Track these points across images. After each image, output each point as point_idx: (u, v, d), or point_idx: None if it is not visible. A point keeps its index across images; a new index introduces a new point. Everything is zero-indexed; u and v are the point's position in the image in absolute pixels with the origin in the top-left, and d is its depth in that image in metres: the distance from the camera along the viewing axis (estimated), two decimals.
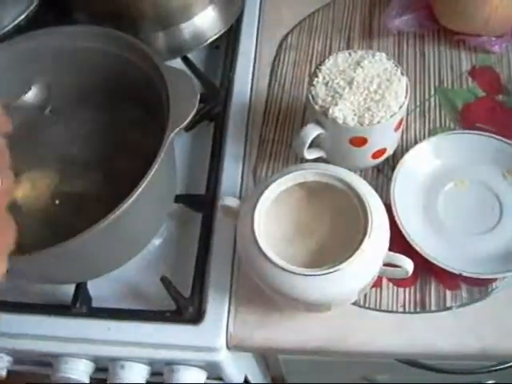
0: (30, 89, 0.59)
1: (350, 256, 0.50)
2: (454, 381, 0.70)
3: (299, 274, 0.50)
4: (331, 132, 0.57)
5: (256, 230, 0.52)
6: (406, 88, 0.57)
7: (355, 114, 0.56)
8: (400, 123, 0.58)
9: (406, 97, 0.56)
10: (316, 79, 0.58)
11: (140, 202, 0.49)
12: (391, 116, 0.55)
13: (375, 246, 0.51)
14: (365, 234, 0.50)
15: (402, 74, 0.57)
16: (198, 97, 0.53)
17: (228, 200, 0.56)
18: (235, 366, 0.63)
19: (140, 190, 0.48)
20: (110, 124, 0.63)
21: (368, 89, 0.56)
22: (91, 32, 0.60)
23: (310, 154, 0.60)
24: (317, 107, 0.57)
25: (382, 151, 0.60)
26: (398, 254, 0.53)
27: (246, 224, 0.52)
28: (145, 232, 0.57)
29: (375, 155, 0.60)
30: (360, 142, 0.57)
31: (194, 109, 0.52)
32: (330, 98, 0.56)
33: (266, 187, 0.53)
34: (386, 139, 0.59)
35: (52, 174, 0.55)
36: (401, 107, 0.56)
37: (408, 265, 0.52)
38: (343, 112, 0.55)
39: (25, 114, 0.62)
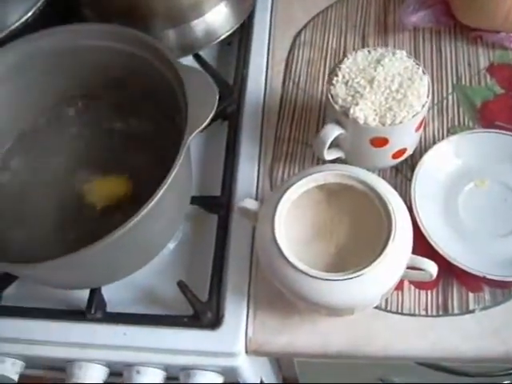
0: None
1: (374, 260, 0.48)
2: (469, 381, 0.69)
3: (322, 279, 0.49)
4: (351, 132, 0.56)
5: (277, 234, 0.50)
6: (428, 87, 0.56)
7: (376, 114, 0.54)
8: (421, 123, 0.57)
9: (428, 96, 0.55)
10: (336, 78, 0.56)
11: (158, 207, 0.48)
12: (413, 116, 0.54)
13: (399, 249, 0.50)
14: (388, 237, 0.49)
15: (424, 72, 0.56)
16: (217, 97, 0.51)
17: (247, 202, 0.55)
18: (252, 370, 0.62)
19: (159, 195, 0.47)
20: (124, 124, 0.61)
21: (389, 88, 0.55)
22: (104, 30, 0.58)
23: (329, 155, 0.59)
24: (337, 107, 0.55)
25: (403, 151, 0.59)
26: (421, 258, 0.51)
27: (266, 227, 0.51)
28: (162, 236, 0.56)
29: (395, 155, 0.59)
30: (381, 142, 0.56)
31: (213, 110, 0.50)
32: (350, 98, 0.55)
33: (287, 189, 0.52)
34: (407, 139, 0.58)
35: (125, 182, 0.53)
36: (423, 106, 0.55)
37: (432, 268, 0.51)
38: (364, 112, 0.54)
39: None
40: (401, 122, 0.54)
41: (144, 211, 0.46)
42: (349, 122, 0.55)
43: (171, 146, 0.52)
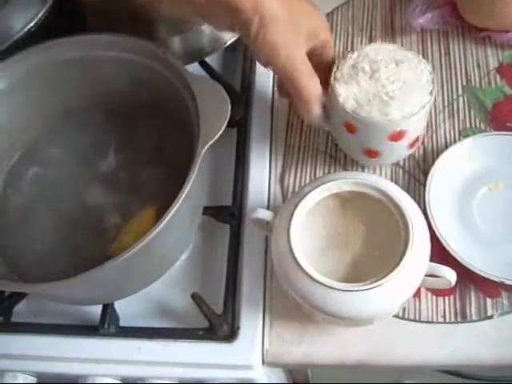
0: None
1: (393, 269, 0.48)
2: None
3: (340, 290, 0.48)
4: (333, 109, 0.56)
5: (293, 245, 0.50)
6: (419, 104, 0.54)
7: (356, 101, 0.54)
8: (399, 134, 0.55)
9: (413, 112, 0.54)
10: (350, 55, 0.56)
11: (173, 221, 0.47)
12: (389, 120, 0.53)
13: (417, 257, 0.49)
14: (406, 246, 0.49)
15: (431, 93, 0.54)
16: (230, 108, 0.50)
17: (260, 212, 0.54)
18: (267, 378, 0.62)
19: (174, 210, 0.46)
20: (133, 136, 0.60)
21: (384, 86, 0.54)
22: (112, 40, 0.57)
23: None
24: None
25: (374, 152, 0.58)
26: (439, 265, 0.51)
27: (282, 237, 0.51)
28: (176, 249, 0.55)
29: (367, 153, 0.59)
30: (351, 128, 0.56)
31: (226, 120, 0.50)
32: (348, 76, 0.55)
33: (301, 199, 0.51)
34: (375, 141, 0.57)
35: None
36: (405, 118, 0.53)
37: (451, 275, 0.51)
38: (347, 93, 0.54)
39: None
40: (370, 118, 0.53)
41: (159, 227, 0.46)
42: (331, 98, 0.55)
43: (182, 157, 0.51)
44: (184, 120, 0.54)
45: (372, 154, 0.59)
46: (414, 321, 0.55)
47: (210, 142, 0.49)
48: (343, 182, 0.52)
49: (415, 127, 0.56)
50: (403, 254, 0.48)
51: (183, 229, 0.54)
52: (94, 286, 0.50)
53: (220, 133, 0.49)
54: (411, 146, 0.58)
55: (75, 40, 0.58)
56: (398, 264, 0.48)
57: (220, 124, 0.49)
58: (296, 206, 0.51)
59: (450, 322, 0.55)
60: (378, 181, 0.53)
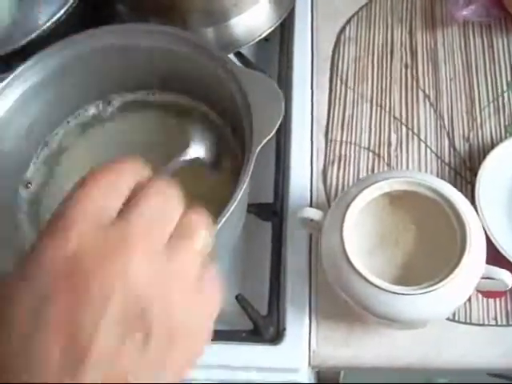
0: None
1: (451, 273, 0.46)
2: None
3: (396, 293, 0.47)
4: None
5: (346, 245, 0.48)
6: None
7: None
8: None
9: None
10: None
11: (224, 224, 0.45)
12: None
13: (475, 260, 0.48)
14: (464, 248, 0.47)
15: None
16: (283, 103, 0.48)
17: (309, 212, 0.53)
18: (310, 380, 0.60)
19: (228, 214, 0.44)
20: (176, 127, 0.58)
21: None
22: (153, 30, 0.55)
23: None
24: None
25: None
26: (496, 268, 0.49)
27: (334, 238, 0.49)
28: (224, 250, 0.54)
29: None
30: None
31: (281, 117, 0.47)
32: None
33: (353, 198, 0.50)
34: None
35: None
36: None
37: (508, 278, 0.49)
38: None
39: None
40: None
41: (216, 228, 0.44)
42: None
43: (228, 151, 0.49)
44: (231, 115, 0.52)
45: None
46: (465, 323, 0.54)
47: (265, 141, 0.47)
48: (395, 181, 0.51)
49: None
50: (461, 256, 0.47)
51: (231, 230, 0.52)
52: None
53: (275, 131, 0.47)
54: None
55: (114, 29, 0.56)
56: (455, 267, 0.46)
57: (274, 121, 0.47)
58: (348, 205, 0.49)
59: (501, 325, 0.54)
60: (431, 180, 0.51)
